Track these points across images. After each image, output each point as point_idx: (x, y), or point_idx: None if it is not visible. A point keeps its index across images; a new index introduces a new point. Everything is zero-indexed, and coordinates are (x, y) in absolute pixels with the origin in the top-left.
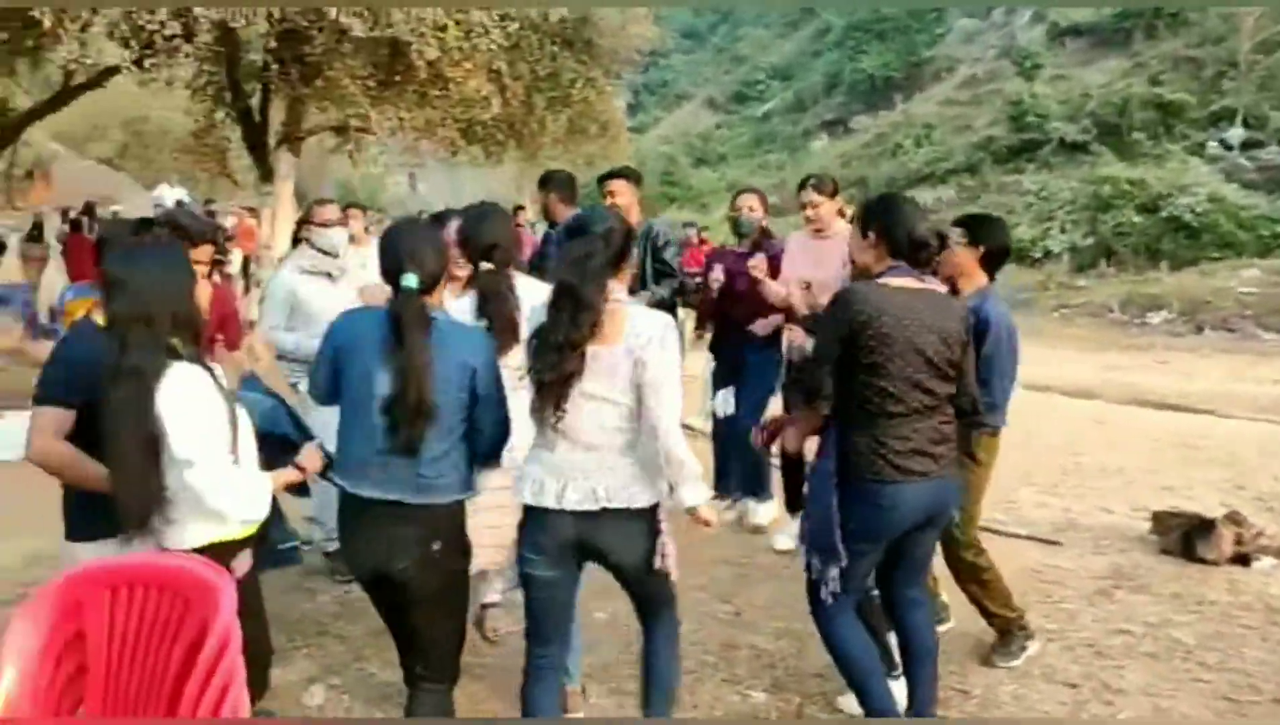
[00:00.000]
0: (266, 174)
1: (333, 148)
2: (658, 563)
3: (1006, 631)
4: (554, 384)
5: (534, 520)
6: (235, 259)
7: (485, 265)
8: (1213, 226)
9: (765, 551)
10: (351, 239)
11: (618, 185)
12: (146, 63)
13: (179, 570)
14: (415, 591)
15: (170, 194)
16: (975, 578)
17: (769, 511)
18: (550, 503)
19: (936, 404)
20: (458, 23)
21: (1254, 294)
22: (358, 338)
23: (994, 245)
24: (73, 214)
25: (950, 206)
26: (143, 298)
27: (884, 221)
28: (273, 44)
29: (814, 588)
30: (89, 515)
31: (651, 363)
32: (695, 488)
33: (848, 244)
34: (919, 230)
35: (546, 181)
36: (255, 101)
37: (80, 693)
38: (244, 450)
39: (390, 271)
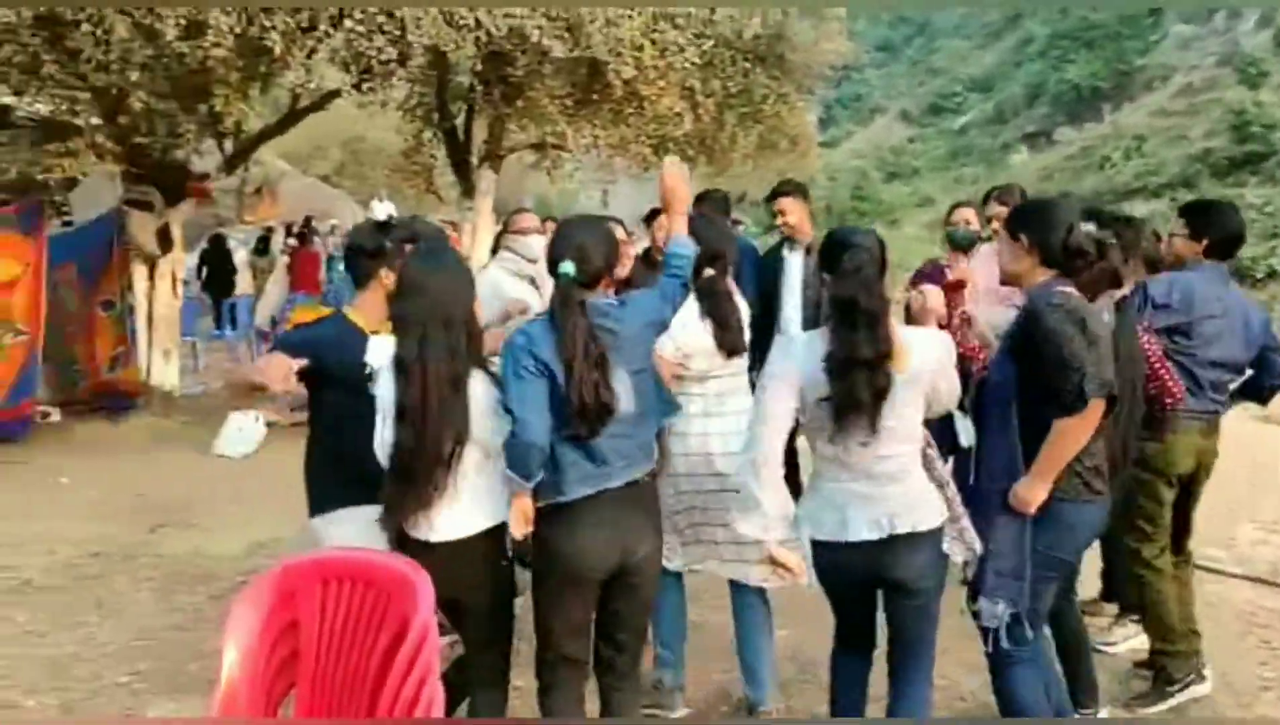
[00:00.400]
0: (469, 190)
1: (531, 164)
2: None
3: (1158, 674)
4: (869, 404)
5: (823, 554)
6: None
7: (708, 271)
8: None
9: None
10: None
11: (787, 203)
12: (364, 86)
13: (383, 566)
14: (649, 572)
15: (380, 209)
16: (1141, 596)
17: None
18: (835, 535)
19: (1106, 419)
20: (653, 42)
21: None
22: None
23: (1220, 236)
24: (296, 228)
25: (1164, 222)
26: (444, 301)
27: (1036, 227)
28: (479, 66)
29: (995, 635)
30: (328, 490)
31: (944, 387)
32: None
33: (997, 250)
34: (1075, 237)
35: (703, 199)
36: (460, 121)
37: (293, 677)
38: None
39: (552, 261)
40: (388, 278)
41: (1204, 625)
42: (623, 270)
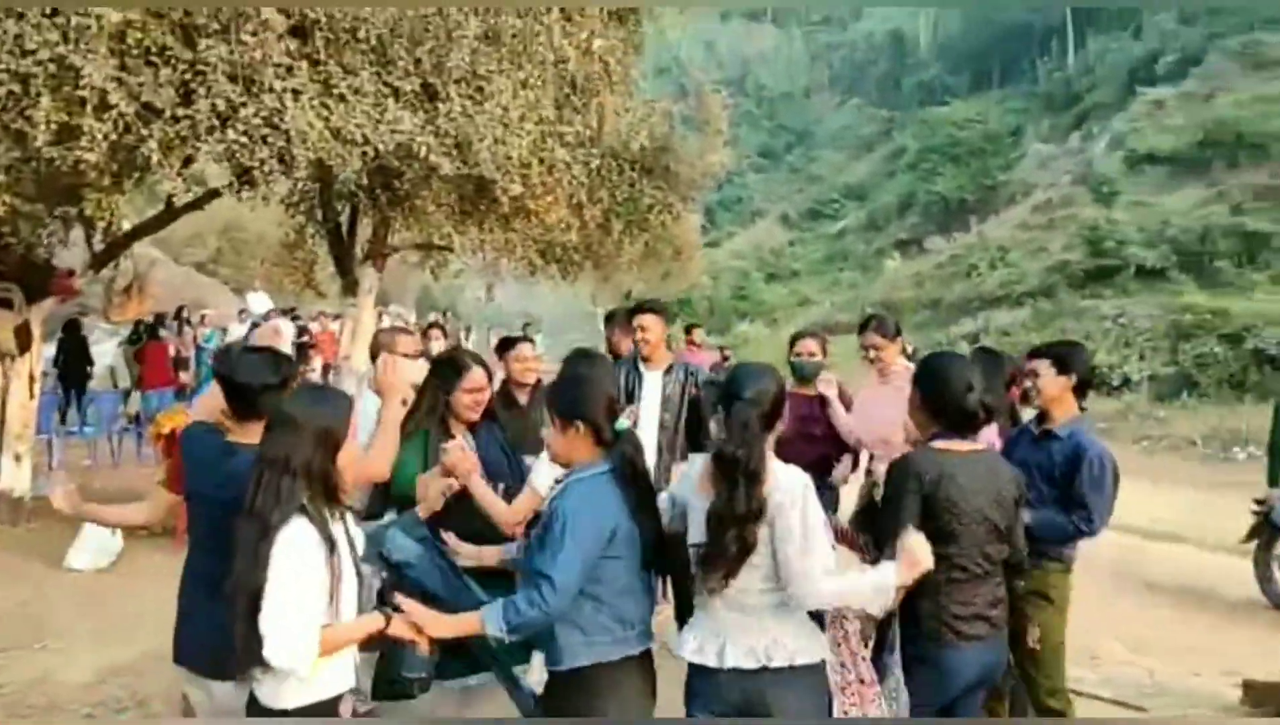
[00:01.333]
0: (350, 286)
1: (416, 262)
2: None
3: None
4: (736, 557)
5: (698, 679)
6: (316, 366)
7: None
8: None
9: None
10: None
11: (649, 321)
12: (244, 190)
13: None
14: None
15: (255, 300)
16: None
17: None
18: (711, 662)
19: (994, 568)
20: (541, 160)
21: None
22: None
23: (1083, 372)
24: (169, 319)
25: (1026, 330)
26: (290, 444)
27: (930, 389)
28: (364, 180)
29: None
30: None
31: (792, 522)
32: (882, 577)
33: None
34: (967, 402)
35: (611, 318)
36: (344, 218)
37: None
38: (345, 603)
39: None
40: None
41: None
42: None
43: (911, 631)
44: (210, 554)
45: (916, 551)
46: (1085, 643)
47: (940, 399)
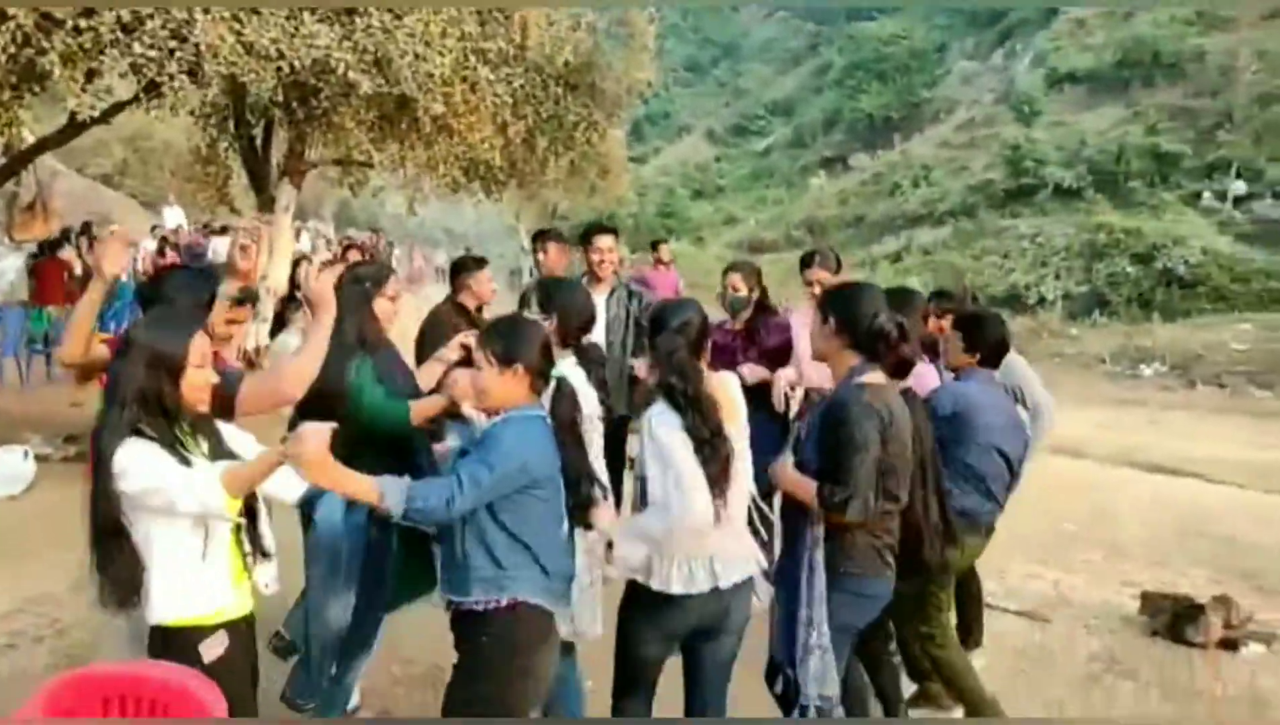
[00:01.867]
0: (266, 203)
1: (334, 178)
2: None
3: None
4: (718, 475)
5: (664, 609)
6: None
7: (586, 339)
8: (1206, 279)
9: None
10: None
11: (606, 242)
12: (152, 103)
13: (171, 686)
14: None
15: (171, 215)
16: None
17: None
18: (706, 585)
19: (905, 496)
20: (464, 78)
21: (1247, 350)
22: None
23: (989, 347)
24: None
25: (947, 249)
26: (123, 370)
27: (843, 312)
28: (280, 96)
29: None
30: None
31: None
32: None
33: (809, 329)
34: (879, 321)
35: (542, 236)
36: (258, 132)
37: None
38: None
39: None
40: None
41: (979, 661)
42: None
43: (843, 567)
44: None
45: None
46: (992, 557)
47: (853, 323)
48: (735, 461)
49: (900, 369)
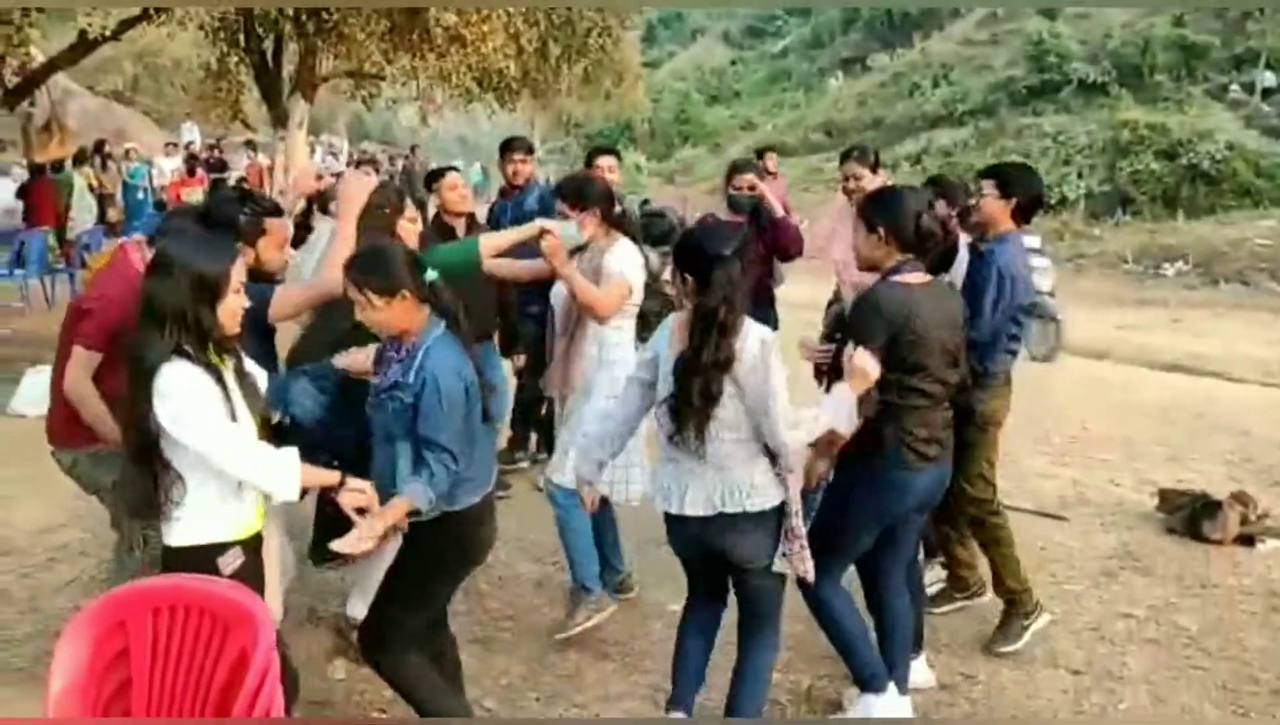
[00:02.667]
0: (279, 118)
1: (346, 91)
2: (781, 564)
3: (1010, 608)
4: (699, 408)
5: (670, 521)
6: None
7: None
8: (1232, 175)
9: None
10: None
11: (610, 162)
12: (160, 15)
13: (218, 596)
14: None
15: (189, 131)
16: (992, 539)
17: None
18: (674, 508)
19: (947, 392)
20: None
21: (1270, 246)
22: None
23: (1026, 195)
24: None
25: (967, 150)
26: (163, 290)
27: (890, 218)
28: (290, 12)
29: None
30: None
31: (770, 373)
32: (838, 399)
33: (853, 240)
34: (924, 222)
35: (508, 147)
36: (269, 46)
37: (126, 708)
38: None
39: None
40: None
41: None
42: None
43: (871, 455)
44: None
45: (864, 363)
46: (1010, 456)
47: (900, 229)
48: None
49: (945, 261)
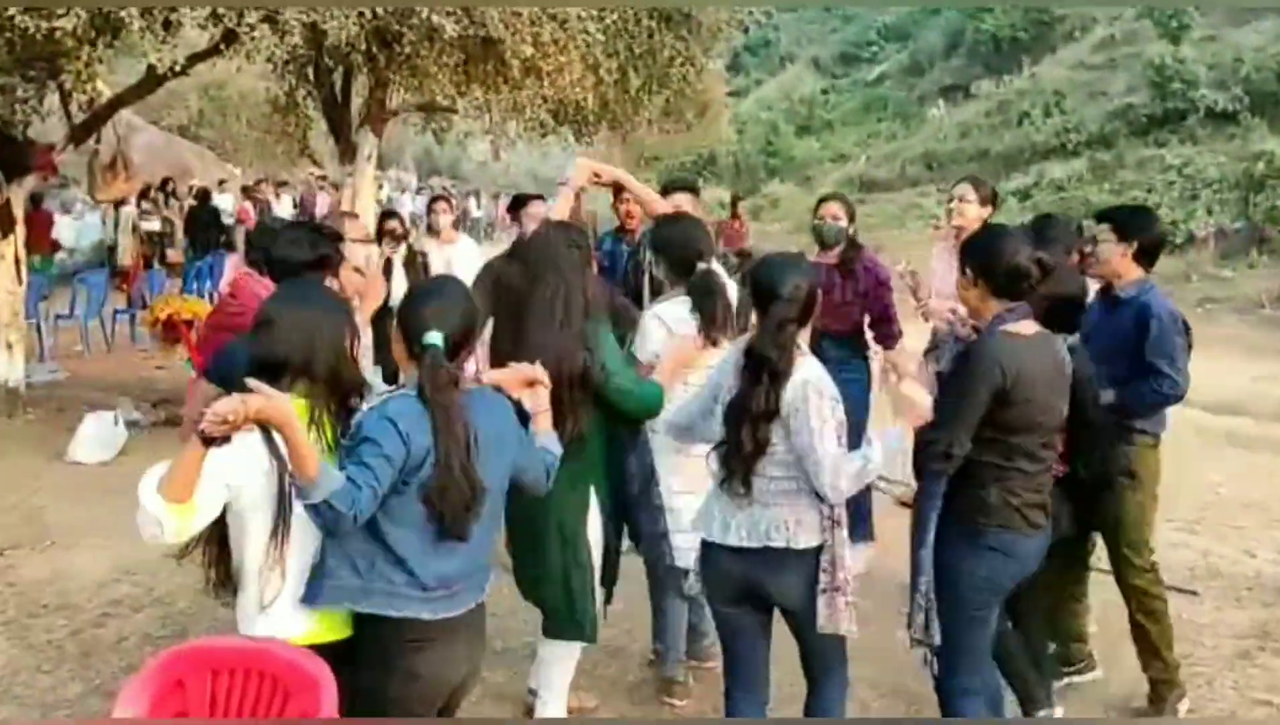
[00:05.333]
0: (347, 152)
1: (417, 125)
2: (822, 616)
3: (1161, 687)
4: (750, 455)
5: (706, 557)
6: None
7: (700, 266)
8: None
9: None
10: (431, 231)
11: (686, 199)
12: (230, 51)
13: (280, 659)
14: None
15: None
16: (1148, 610)
17: (867, 555)
18: (715, 536)
19: (1052, 455)
20: (553, 16)
21: None
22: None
23: (1146, 238)
24: (152, 191)
25: (1082, 184)
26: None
27: (978, 259)
28: (361, 43)
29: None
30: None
31: (810, 415)
32: (888, 442)
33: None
34: (1017, 259)
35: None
36: (338, 79)
37: None
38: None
39: (413, 331)
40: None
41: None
42: None
43: (975, 523)
44: None
45: (914, 395)
46: None
47: (989, 268)
48: None
49: (1068, 318)
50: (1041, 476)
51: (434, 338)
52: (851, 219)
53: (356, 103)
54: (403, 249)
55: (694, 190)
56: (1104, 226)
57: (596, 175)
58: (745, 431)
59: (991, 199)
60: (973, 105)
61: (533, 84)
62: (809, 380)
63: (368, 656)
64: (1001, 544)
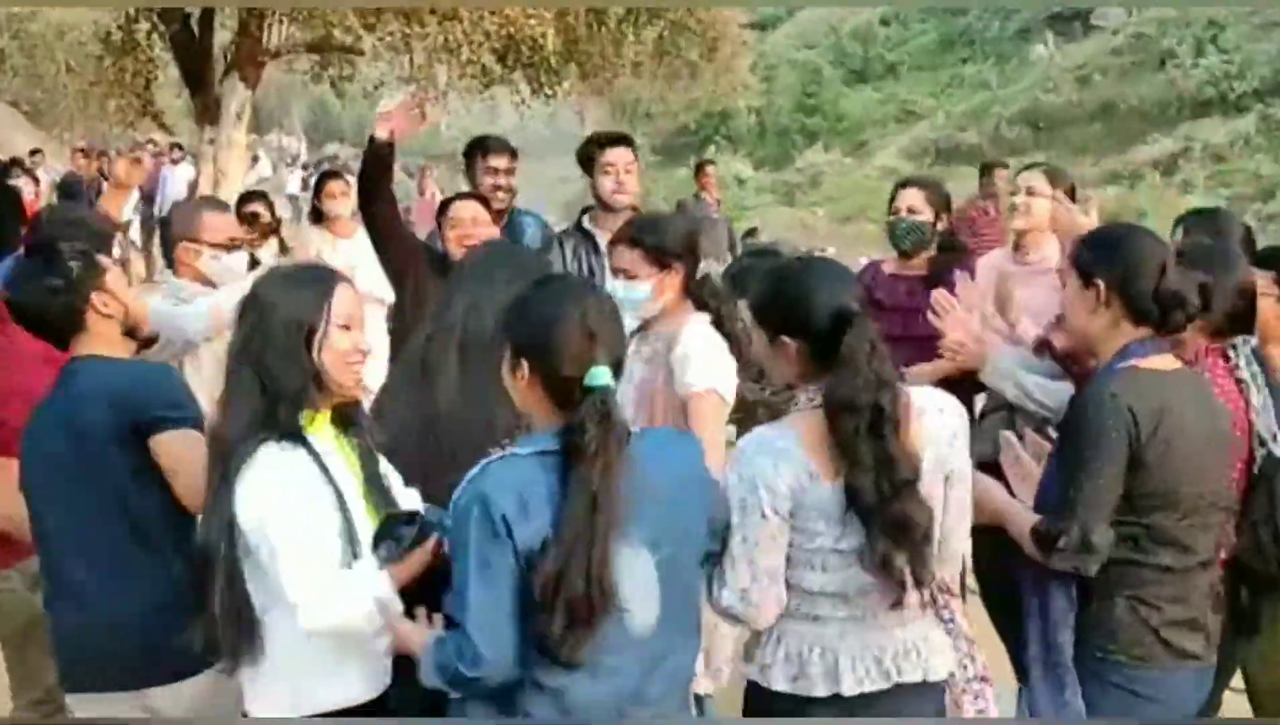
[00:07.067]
0: (209, 110)
1: (307, 72)
2: None
3: None
4: (910, 557)
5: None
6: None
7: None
8: None
9: None
10: (318, 219)
11: (624, 156)
12: None
13: None
14: None
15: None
16: None
17: None
18: (823, 690)
19: (1215, 549)
20: None
21: None
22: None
23: None
24: None
25: (1251, 149)
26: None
27: (1115, 269)
28: None
29: None
30: None
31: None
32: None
33: (1062, 294)
34: (1169, 281)
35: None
36: (195, 10)
37: None
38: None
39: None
40: None
41: None
42: None
43: (1097, 647)
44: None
45: (1023, 458)
46: None
47: (1131, 287)
48: None
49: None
50: (1196, 578)
51: (603, 376)
52: (944, 210)
53: (222, 39)
54: (272, 245)
55: (628, 142)
56: (1267, 275)
57: None
58: (896, 517)
59: (1071, 196)
60: (1094, 41)
61: (470, 14)
62: (962, 413)
63: None
64: (1134, 683)
